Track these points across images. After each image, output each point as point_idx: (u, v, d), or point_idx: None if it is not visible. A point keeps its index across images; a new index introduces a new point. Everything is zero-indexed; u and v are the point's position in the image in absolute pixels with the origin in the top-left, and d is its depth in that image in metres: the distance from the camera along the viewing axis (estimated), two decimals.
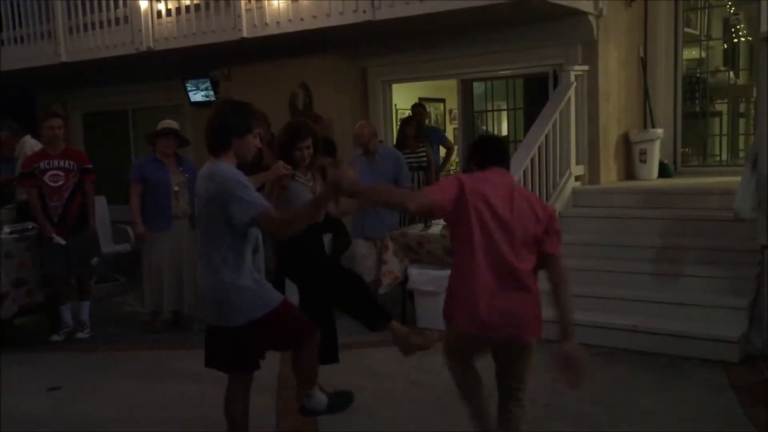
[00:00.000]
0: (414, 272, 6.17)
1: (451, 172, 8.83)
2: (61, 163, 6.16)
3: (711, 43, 8.33)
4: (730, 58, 8.62)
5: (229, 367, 3.41)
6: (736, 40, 8.40)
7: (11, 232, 6.19)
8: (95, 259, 6.39)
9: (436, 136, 8.31)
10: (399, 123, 8.09)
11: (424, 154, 7.49)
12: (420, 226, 6.52)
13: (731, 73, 8.46)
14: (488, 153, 3.32)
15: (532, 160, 6.22)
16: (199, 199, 3.25)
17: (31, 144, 7.10)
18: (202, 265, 3.26)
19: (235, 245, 3.16)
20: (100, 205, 6.99)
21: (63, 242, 6.06)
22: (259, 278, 3.28)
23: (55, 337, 6.23)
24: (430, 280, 6.04)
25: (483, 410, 3.38)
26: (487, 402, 3.39)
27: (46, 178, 6.09)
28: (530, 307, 3.14)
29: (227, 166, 3.17)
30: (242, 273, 3.17)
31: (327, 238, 6.50)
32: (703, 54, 8.24)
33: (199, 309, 3.38)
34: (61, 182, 6.13)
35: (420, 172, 7.34)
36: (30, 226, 6.32)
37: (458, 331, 3.17)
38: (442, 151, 8.44)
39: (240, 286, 3.17)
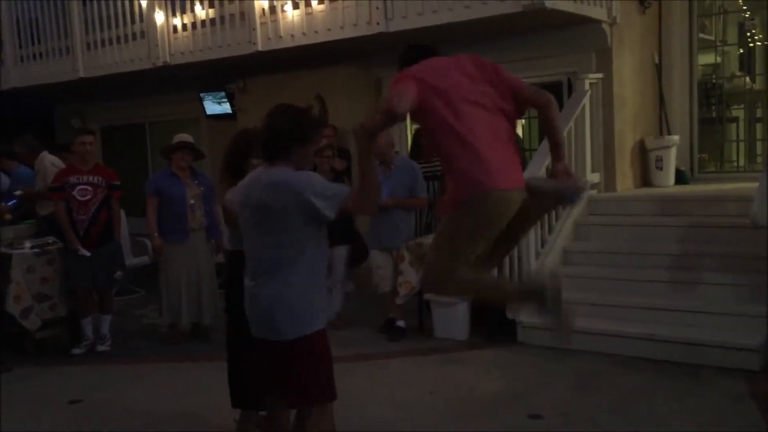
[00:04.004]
0: None
1: None
2: (91, 178, 6.27)
3: (726, 48, 8.29)
4: (746, 63, 8.57)
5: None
6: (751, 45, 8.36)
7: (32, 247, 6.26)
8: (119, 273, 6.47)
9: None
10: (414, 133, 8.11)
11: (438, 164, 7.50)
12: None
13: (747, 78, 8.41)
14: (422, 51, 3.36)
15: (547, 168, 6.21)
16: (259, 208, 3.03)
17: (50, 159, 7.19)
18: (266, 277, 3.05)
19: (313, 253, 3.03)
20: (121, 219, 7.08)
21: (88, 254, 6.15)
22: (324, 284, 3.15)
23: (76, 350, 6.29)
24: None
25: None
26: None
27: (74, 192, 6.20)
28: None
29: (289, 170, 3.01)
30: (315, 280, 3.05)
31: (344, 249, 6.56)
32: (719, 59, 8.20)
33: (258, 327, 3.17)
34: (89, 197, 6.23)
35: (434, 182, 7.35)
36: (51, 241, 6.40)
37: (485, 198, 3.05)
38: None
39: (309, 295, 3.03)
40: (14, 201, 7.21)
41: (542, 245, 6.20)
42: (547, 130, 3.29)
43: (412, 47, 3.56)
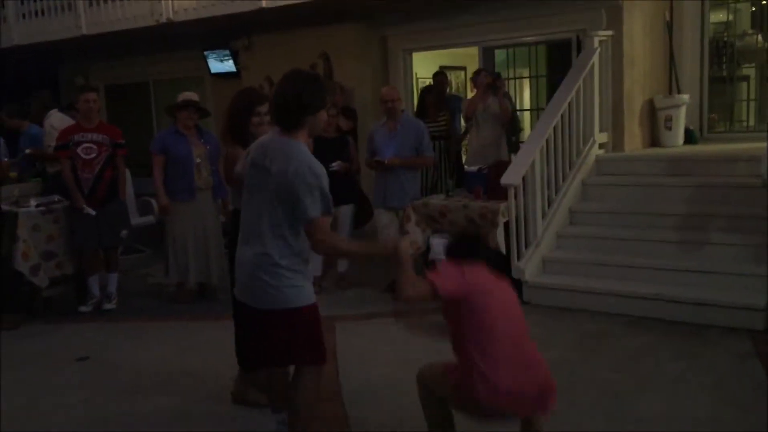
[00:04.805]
0: (436, 242, 6.16)
1: None
2: (95, 136, 6.24)
3: (738, 5, 8.14)
4: (758, 20, 8.42)
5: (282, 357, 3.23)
6: (764, 2, 8.21)
7: (38, 206, 6.26)
8: (124, 232, 6.48)
9: (457, 104, 8.24)
10: (420, 92, 8.04)
11: (444, 123, 7.45)
12: (442, 196, 6.51)
13: (759, 36, 8.26)
14: (470, 249, 3.21)
15: (555, 128, 6.16)
16: (260, 171, 3.04)
17: (54, 119, 7.15)
18: (253, 241, 3.06)
19: (295, 227, 3.01)
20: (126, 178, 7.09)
21: (93, 213, 6.15)
22: (307, 266, 3.11)
23: (83, 308, 6.33)
24: None
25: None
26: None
27: (79, 151, 6.17)
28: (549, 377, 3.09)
29: (303, 148, 3.00)
30: (297, 255, 3.04)
31: (348, 209, 6.55)
32: (731, 17, 8.06)
33: (242, 289, 3.17)
34: (93, 155, 6.21)
35: (441, 141, 7.30)
36: (56, 199, 6.39)
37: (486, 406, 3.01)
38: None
39: (292, 268, 3.02)
40: (19, 159, 7.21)
41: (548, 205, 6.17)
42: None
43: (463, 240, 3.36)
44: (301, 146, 3.02)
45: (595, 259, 5.81)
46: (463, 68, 11.04)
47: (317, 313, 3.16)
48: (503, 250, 5.75)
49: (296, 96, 3.01)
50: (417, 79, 9.06)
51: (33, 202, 6.30)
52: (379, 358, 4.82)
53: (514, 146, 7.43)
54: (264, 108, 3.89)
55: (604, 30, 6.77)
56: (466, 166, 7.50)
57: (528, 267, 5.83)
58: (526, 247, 5.91)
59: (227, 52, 9.43)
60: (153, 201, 7.16)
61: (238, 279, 3.19)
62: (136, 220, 8.01)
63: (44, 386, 4.65)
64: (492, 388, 2.91)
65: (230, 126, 4.00)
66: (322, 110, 3.08)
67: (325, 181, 2.98)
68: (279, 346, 3.10)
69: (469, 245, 3.23)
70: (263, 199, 3.03)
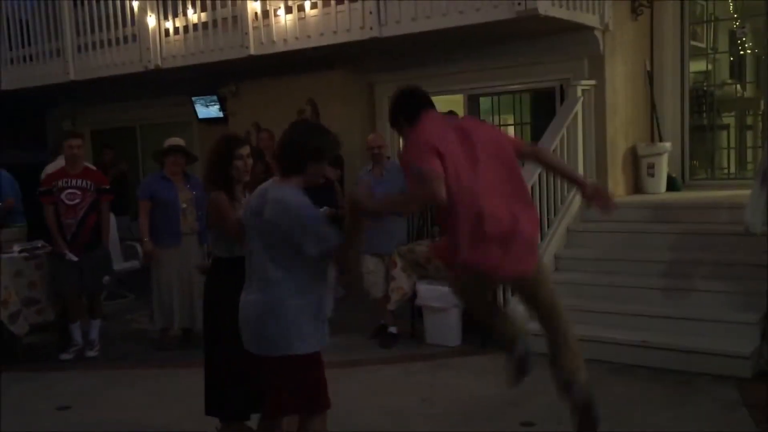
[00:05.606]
0: (422, 288, 6.16)
1: None
2: (79, 182, 6.23)
3: (717, 56, 8.33)
4: (737, 70, 8.62)
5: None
6: (742, 53, 8.40)
7: (21, 251, 6.22)
8: (107, 278, 6.44)
9: None
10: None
11: None
12: (428, 242, 6.52)
13: (738, 86, 8.45)
14: (418, 101, 3.53)
15: (539, 175, 6.21)
16: (257, 218, 3.07)
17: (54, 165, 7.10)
18: (258, 288, 3.07)
19: (302, 274, 3.04)
20: (112, 223, 7.07)
21: (75, 259, 6.10)
22: (319, 312, 3.11)
23: (64, 356, 6.24)
24: (438, 296, 6.03)
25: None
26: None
27: (63, 196, 6.15)
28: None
29: (296, 192, 3.04)
30: (304, 298, 3.04)
31: None
32: (710, 67, 8.24)
33: (247, 337, 3.16)
34: (77, 201, 6.19)
35: None
36: (39, 245, 6.36)
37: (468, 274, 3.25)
38: None
39: (299, 314, 3.02)
40: None
41: None
42: (554, 168, 3.66)
43: (410, 96, 3.65)
44: (293, 189, 3.04)
45: (581, 306, 5.80)
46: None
47: (316, 363, 3.14)
48: None
49: (300, 141, 3.08)
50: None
51: (16, 248, 6.26)
52: (366, 405, 4.77)
53: None
54: (245, 150, 3.93)
55: (587, 79, 6.89)
56: None
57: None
58: (512, 293, 5.91)
59: (214, 97, 9.50)
60: (138, 246, 7.13)
61: (241, 327, 3.16)
62: (120, 264, 7.95)
63: None
64: (475, 248, 3.22)
65: (212, 171, 4.01)
66: (325, 160, 3.13)
67: (318, 216, 3.03)
68: (284, 394, 3.08)
69: (417, 99, 3.56)
70: (264, 245, 3.05)
